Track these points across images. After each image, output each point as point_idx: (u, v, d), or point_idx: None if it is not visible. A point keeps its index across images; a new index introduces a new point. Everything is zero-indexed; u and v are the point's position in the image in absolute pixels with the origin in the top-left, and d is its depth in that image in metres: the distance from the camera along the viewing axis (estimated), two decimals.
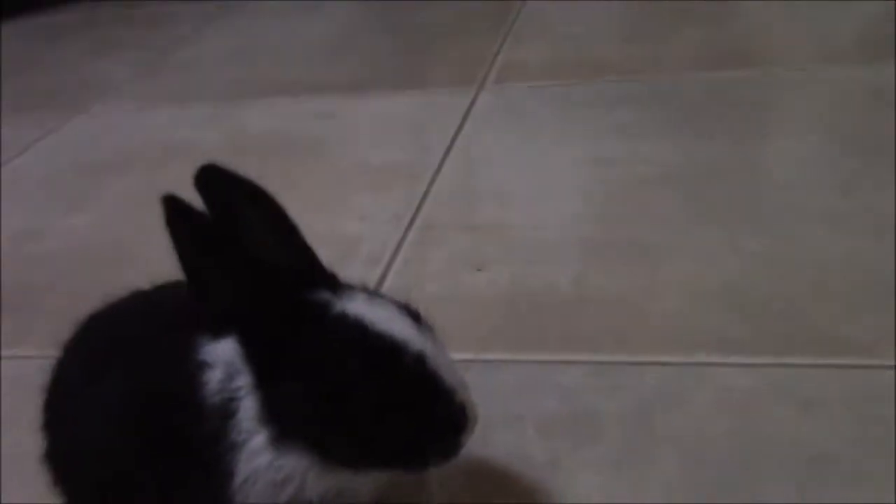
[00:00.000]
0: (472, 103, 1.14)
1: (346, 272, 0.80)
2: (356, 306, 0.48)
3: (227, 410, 0.47)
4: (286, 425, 0.47)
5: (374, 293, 0.51)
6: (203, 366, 0.48)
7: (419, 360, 0.47)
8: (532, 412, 0.63)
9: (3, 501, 0.62)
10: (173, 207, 0.45)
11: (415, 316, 0.50)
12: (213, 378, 0.48)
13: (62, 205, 1.04)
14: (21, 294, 0.87)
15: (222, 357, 0.48)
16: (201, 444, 0.47)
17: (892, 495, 0.53)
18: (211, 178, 0.47)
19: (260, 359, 0.47)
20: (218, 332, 0.48)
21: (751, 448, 0.58)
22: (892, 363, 0.63)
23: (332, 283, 0.50)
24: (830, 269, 0.74)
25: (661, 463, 0.58)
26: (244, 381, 0.48)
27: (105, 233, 0.96)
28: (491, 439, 0.61)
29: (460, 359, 0.67)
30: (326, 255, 0.84)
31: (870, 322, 0.67)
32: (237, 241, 0.47)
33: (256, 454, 0.47)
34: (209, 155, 1.09)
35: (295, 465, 0.48)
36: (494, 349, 0.70)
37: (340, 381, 0.46)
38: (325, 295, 0.48)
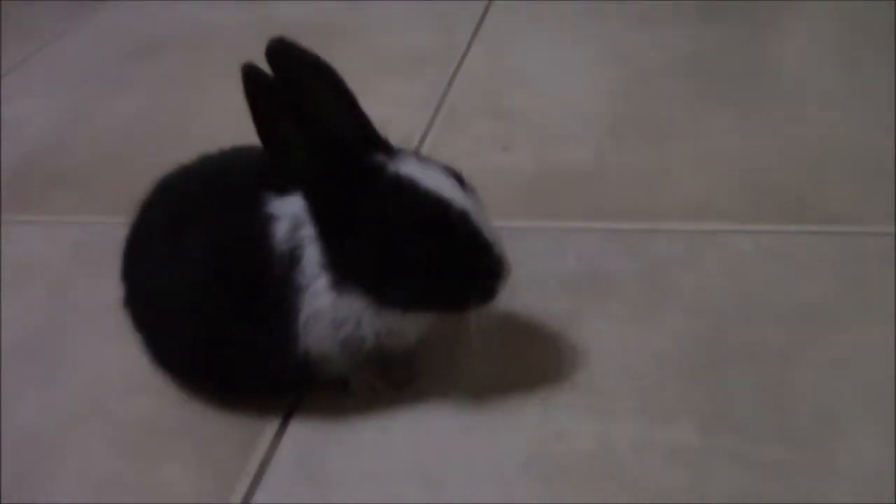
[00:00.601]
0: None
1: None
2: (408, 168, 0.55)
3: (293, 257, 0.54)
4: (345, 271, 0.54)
5: (424, 158, 0.57)
6: (272, 218, 0.55)
7: (463, 216, 0.54)
8: (554, 273, 0.70)
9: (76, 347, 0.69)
10: (251, 76, 0.51)
11: (458, 178, 0.56)
12: (281, 229, 0.55)
13: (105, 89, 1.09)
14: (72, 171, 0.94)
15: (289, 211, 0.55)
16: (271, 286, 0.54)
17: (870, 338, 0.60)
18: (281, 51, 0.53)
19: (323, 213, 0.54)
20: (286, 189, 0.55)
21: (749, 302, 0.65)
22: (877, 230, 0.70)
23: (388, 149, 0.56)
24: (831, 148, 0.80)
25: (668, 316, 0.65)
26: (308, 232, 0.55)
27: (150, 114, 1.02)
28: (518, 295, 0.67)
29: None
30: None
31: (860, 195, 0.74)
32: (306, 109, 0.53)
33: (319, 295, 0.55)
34: (241, 41, 1.15)
35: (352, 305, 0.55)
36: (520, 218, 0.76)
37: (394, 232, 0.53)
38: (380, 158, 0.55)
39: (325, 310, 0.55)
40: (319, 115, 0.53)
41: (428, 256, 0.54)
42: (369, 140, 0.56)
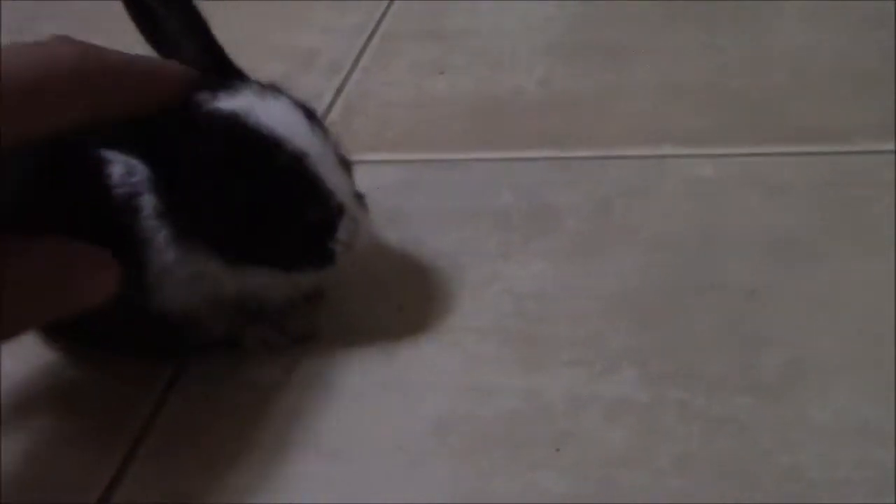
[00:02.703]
0: None
1: (303, 83, 0.78)
2: (235, 102, 0.45)
3: (130, 204, 0.45)
4: (182, 222, 0.45)
5: (271, 89, 0.48)
6: (105, 161, 0.46)
7: (297, 158, 0.45)
8: (488, 208, 0.61)
9: None
10: None
11: (310, 114, 0.47)
12: (115, 172, 0.46)
13: None
14: None
15: (121, 156, 0.46)
16: (110, 236, 0.45)
17: (852, 273, 0.52)
18: None
19: (147, 155, 0.45)
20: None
21: (711, 234, 0.56)
22: (860, 149, 0.60)
23: (228, 83, 0.47)
24: (805, 65, 0.70)
25: (617, 251, 0.56)
26: (142, 177, 0.45)
27: None
28: (445, 235, 0.59)
29: (420, 159, 0.66)
30: (283, 67, 0.82)
31: (840, 112, 0.64)
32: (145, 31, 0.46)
33: (163, 250, 0.46)
34: None
35: (200, 261, 0.46)
36: (455, 150, 0.67)
37: (212, 176, 0.44)
38: (204, 94, 0.45)
39: (173, 266, 0.46)
40: (158, 40, 0.46)
41: (249, 204, 0.44)
42: (217, 69, 0.48)
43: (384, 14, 0.87)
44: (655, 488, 0.42)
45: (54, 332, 0.52)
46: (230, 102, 0.45)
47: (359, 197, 0.49)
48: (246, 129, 0.45)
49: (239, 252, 0.46)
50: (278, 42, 0.85)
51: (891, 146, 0.60)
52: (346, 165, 0.49)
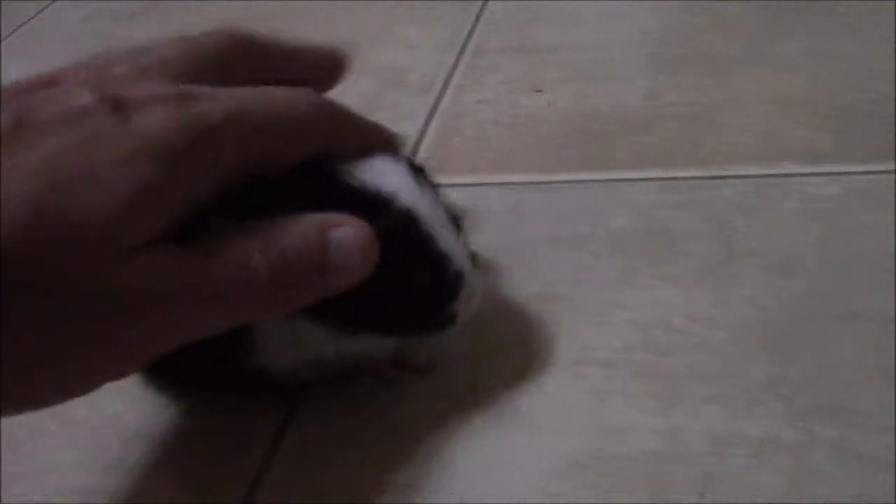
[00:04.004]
0: None
1: (394, 102, 0.77)
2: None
3: None
4: None
5: None
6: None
7: (407, 217, 0.42)
8: (602, 232, 0.58)
9: None
10: None
11: (416, 169, 0.45)
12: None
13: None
14: None
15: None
16: None
17: None
18: None
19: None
20: None
21: (842, 257, 0.53)
22: None
23: None
24: None
25: (744, 276, 0.53)
26: None
27: None
28: (560, 261, 0.57)
29: (524, 181, 0.64)
30: (375, 85, 0.81)
31: None
32: None
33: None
34: None
35: (302, 329, 0.43)
36: (557, 171, 0.65)
37: None
38: None
39: (277, 332, 0.43)
40: None
41: None
42: None
43: (473, 29, 0.86)
44: None
45: (163, 384, 0.51)
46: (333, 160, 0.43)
47: (472, 256, 0.46)
48: (351, 187, 0.42)
49: (346, 319, 0.43)
50: (366, 60, 0.83)
51: None
52: (456, 221, 0.46)
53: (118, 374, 0.42)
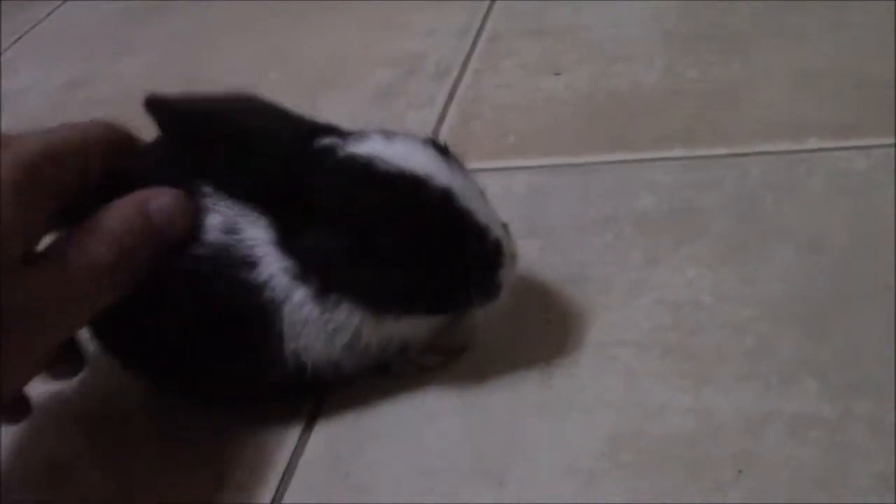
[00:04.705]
0: None
1: (414, 88, 0.77)
2: (368, 146, 0.44)
3: (240, 259, 0.44)
4: (324, 278, 0.44)
5: (390, 132, 0.46)
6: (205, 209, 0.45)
7: (445, 195, 0.43)
8: (626, 212, 0.58)
9: None
10: (156, 105, 0.45)
11: (443, 151, 0.45)
12: (213, 221, 0.45)
13: (109, 53, 0.99)
14: None
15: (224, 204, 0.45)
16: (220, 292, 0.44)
17: None
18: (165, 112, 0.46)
19: (275, 214, 0.44)
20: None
21: (872, 231, 0.53)
22: None
23: (338, 132, 0.46)
24: None
25: (773, 253, 0.53)
26: (255, 234, 0.44)
27: (155, 75, 0.92)
28: (586, 243, 0.57)
29: (547, 164, 0.64)
30: (392, 74, 0.80)
31: None
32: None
33: (301, 307, 0.44)
34: None
35: (345, 316, 0.44)
36: (580, 153, 0.65)
37: (357, 226, 0.43)
38: (330, 141, 0.44)
39: (313, 322, 0.44)
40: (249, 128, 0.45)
41: (403, 250, 0.43)
42: (315, 130, 0.46)
43: (488, 12, 0.85)
44: None
45: (189, 392, 0.51)
46: (362, 147, 0.44)
47: (504, 227, 0.47)
48: (392, 172, 0.43)
49: (392, 302, 0.44)
50: (383, 48, 0.83)
51: None
52: (482, 195, 0.47)
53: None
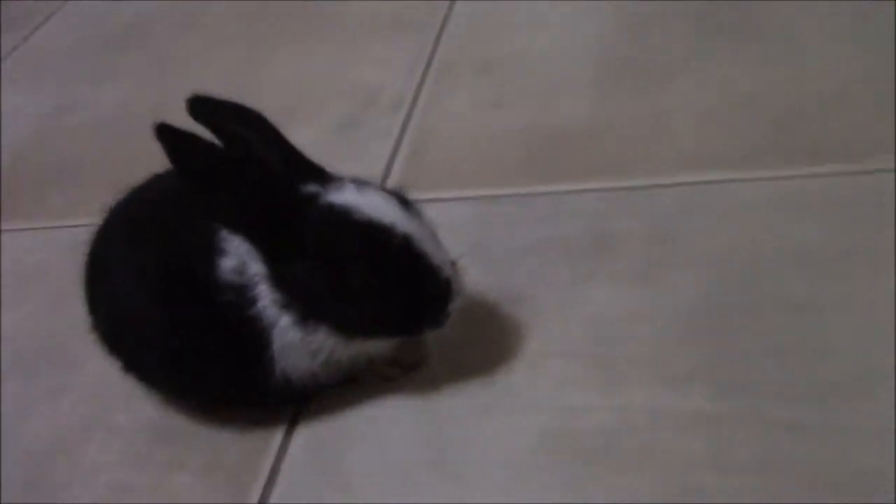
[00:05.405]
0: None
1: (372, 119, 0.86)
2: (343, 196, 0.53)
3: (244, 295, 0.54)
4: (305, 308, 0.53)
5: (363, 183, 0.56)
6: (219, 252, 0.54)
7: (405, 241, 0.53)
8: (556, 239, 0.68)
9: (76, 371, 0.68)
10: (166, 134, 0.51)
11: (403, 201, 0.55)
12: (227, 265, 0.54)
13: (90, 79, 1.07)
14: (64, 168, 0.92)
15: (236, 246, 0.54)
16: (223, 320, 0.54)
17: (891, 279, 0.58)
18: (201, 103, 0.54)
19: (267, 253, 0.53)
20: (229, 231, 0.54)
21: (756, 252, 0.63)
22: (879, 167, 0.67)
23: (323, 178, 0.55)
24: (833, 84, 0.77)
25: (676, 274, 0.63)
26: (257, 269, 0.53)
27: (135, 102, 1.00)
28: (521, 266, 0.66)
29: (489, 195, 0.73)
30: (348, 105, 0.89)
31: (864, 133, 0.70)
32: (232, 154, 0.53)
33: (286, 332, 0.54)
34: (228, 19, 1.11)
35: (320, 338, 0.54)
36: (518, 184, 0.74)
37: (334, 264, 0.52)
38: (313, 188, 0.54)
39: (296, 344, 0.54)
40: (246, 157, 0.53)
41: (370, 285, 0.52)
42: (304, 173, 0.55)
43: (435, 47, 0.94)
44: (735, 491, 0.49)
45: (180, 393, 0.60)
46: (340, 196, 0.53)
47: (453, 264, 0.57)
48: (363, 222, 0.52)
49: (359, 327, 0.54)
50: (343, 79, 0.92)
51: None
52: (436, 237, 0.56)
53: None
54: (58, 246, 0.80)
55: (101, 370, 0.64)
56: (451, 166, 0.78)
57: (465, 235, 0.69)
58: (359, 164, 0.78)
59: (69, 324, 0.69)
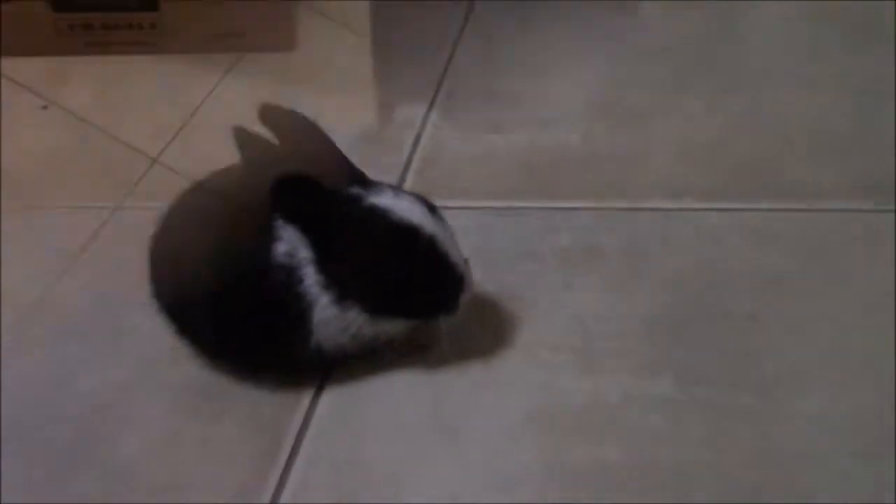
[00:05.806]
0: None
1: (389, 135, 0.96)
2: (382, 199, 0.64)
3: (292, 275, 0.64)
4: (343, 289, 0.64)
5: (397, 189, 0.67)
6: (275, 237, 0.64)
7: (431, 240, 0.64)
8: (550, 248, 0.79)
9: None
10: (243, 135, 0.63)
11: (430, 206, 0.66)
12: (280, 249, 0.64)
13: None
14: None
15: (288, 234, 0.64)
16: (276, 297, 0.64)
17: (825, 306, 0.70)
18: (272, 111, 0.65)
19: (316, 242, 0.63)
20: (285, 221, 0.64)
21: (716, 271, 0.75)
22: (836, 207, 0.79)
23: (365, 183, 0.66)
24: (796, 127, 0.90)
25: (649, 284, 0.74)
26: (305, 254, 0.64)
27: None
28: (518, 270, 0.77)
29: (491, 206, 0.84)
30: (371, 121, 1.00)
31: (819, 173, 0.83)
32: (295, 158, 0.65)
33: (326, 309, 0.64)
34: None
35: (353, 316, 0.65)
36: (516, 199, 0.86)
37: (372, 256, 0.63)
38: (357, 191, 0.65)
39: (332, 319, 0.65)
40: (306, 162, 0.64)
41: (400, 275, 0.63)
42: (350, 177, 0.66)
43: (444, 74, 1.06)
44: (689, 458, 0.60)
45: (227, 356, 0.70)
46: (379, 200, 0.64)
47: (466, 262, 0.67)
48: (398, 222, 0.63)
49: (387, 309, 0.65)
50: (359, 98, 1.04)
51: (862, 205, 0.79)
52: (453, 237, 0.67)
53: None
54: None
55: (152, 335, 0.74)
56: (456, 180, 0.89)
57: (468, 241, 0.79)
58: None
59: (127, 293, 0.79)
